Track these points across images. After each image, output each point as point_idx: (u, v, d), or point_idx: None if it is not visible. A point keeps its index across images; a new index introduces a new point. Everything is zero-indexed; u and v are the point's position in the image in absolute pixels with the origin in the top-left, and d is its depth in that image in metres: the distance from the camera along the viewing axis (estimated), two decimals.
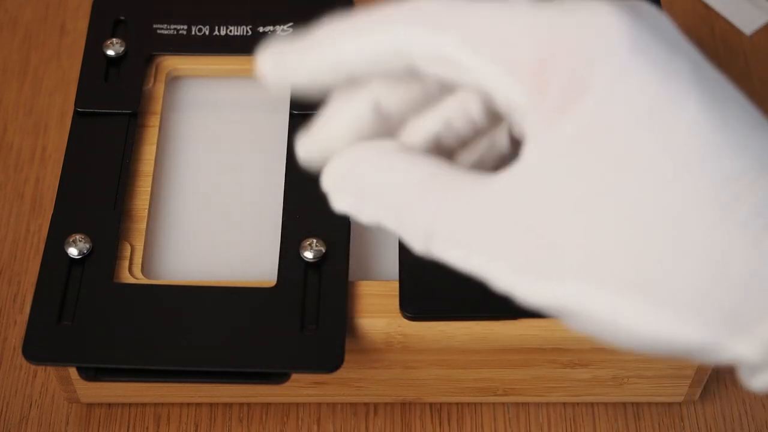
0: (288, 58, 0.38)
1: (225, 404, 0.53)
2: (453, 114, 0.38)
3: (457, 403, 0.54)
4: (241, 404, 0.53)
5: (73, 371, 0.50)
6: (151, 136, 0.56)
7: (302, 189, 0.53)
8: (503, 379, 0.52)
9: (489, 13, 0.34)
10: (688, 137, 0.32)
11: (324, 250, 0.51)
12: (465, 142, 0.38)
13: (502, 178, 0.34)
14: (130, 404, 0.53)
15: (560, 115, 0.33)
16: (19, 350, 0.51)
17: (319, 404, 0.53)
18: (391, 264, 0.53)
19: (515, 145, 0.38)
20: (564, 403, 0.54)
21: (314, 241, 0.51)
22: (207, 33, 0.59)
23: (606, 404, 0.54)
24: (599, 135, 0.32)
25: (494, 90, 0.34)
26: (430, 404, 0.54)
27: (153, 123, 0.56)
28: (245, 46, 0.58)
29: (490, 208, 0.34)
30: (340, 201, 0.38)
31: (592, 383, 0.52)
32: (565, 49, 0.33)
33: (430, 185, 0.36)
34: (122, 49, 0.58)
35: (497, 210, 0.34)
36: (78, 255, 0.51)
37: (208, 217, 0.55)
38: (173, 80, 0.59)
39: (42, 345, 0.48)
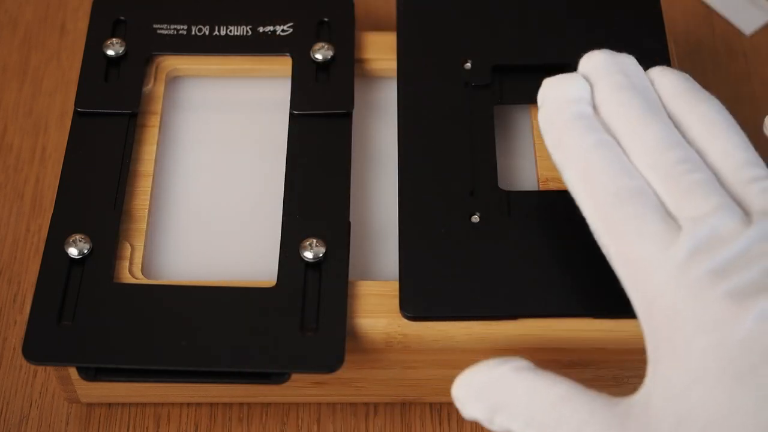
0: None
1: (225, 404, 0.53)
2: None
3: None
4: (241, 404, 0.53)
5: (73, 371, 0.50)
6: (151, 136, 0.56)
7: (302, 189, 0.53)
8: None
9: None
10: None
11: (324, 250, 0.51)
12: None
13: (626, 406, 0.41)
14: (130, 404, 0.53)
15: None
16: (19, 350, 0.51)
17: (319, 404, 0.53)
18: (391, 264, 0.53)
19: None
20: None
21: (314, 241, 0.51)
22: (207, 33, 0.59)
23: None
24: None
25: None
26: (430, 404, 0.54)
27: (153, 123, 0.56)
28: (245, 46, 0.59)
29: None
30: (470, 409, 0.44)
31: (592, 383, 0.52)
32: None
33: (562, 407, 0.42)
34: (122, 49, 0.58)
35: None
36: (78, 255, 0.51)
37: (208, 217, 0.55)
38: (173, 80, 0.59)
39: (42, 345, 0.48)
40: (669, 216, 0.44)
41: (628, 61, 0.49)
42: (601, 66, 0.48)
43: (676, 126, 0.47)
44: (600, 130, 0.47)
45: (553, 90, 0.48)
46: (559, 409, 0.42)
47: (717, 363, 0.40)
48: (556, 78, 0.49)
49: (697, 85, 0.48)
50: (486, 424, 0.44)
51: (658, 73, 0.49)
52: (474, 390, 0.44)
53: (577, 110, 0.47)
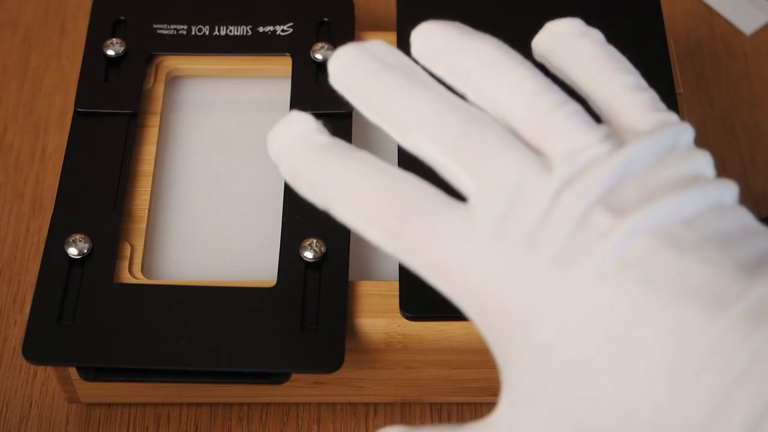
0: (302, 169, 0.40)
1: (225, 404, 0.53)
2: None
3: (457, 403, 0.54)
4: (241, 404, 0.53)
5: (73, 371, 0.50)
6: (151, 136, 0.56)
7: None
8: None
9: None
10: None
11: (324, 250, 0.51)
12: None
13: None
14: (130, 404, 0.53)
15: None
16: (19, 350, 0.51)
17: (319, 404, 0.53)
18: (391, 264, 0.53)
19: None
20: None
21: (314, 241, 0.51)
22: (207, 33, 0.59)
23: None
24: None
25: None
26: (430, 404, 0.54)
27: (153, 123, 0.56)
28: (245, 46, 0.59)
29: None
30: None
31: None
32: None
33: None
34: (122, 49, 0.58)
35: None
36: (78, 255, 0.51)
37: (208, 217, 0.55)
38: (173, 80, 0.59)
39: (42, 345, 0.48)
40: (451, 197, 0.38)
41: (376, 45, 0.40)
42: (349, 64, 0.40)
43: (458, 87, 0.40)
44: (350, 149, 0.39)
45: (277, 141, 0.40)
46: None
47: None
48: (274, 129, 0.40)
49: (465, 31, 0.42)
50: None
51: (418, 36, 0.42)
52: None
53: (315, 142, 0.39)
